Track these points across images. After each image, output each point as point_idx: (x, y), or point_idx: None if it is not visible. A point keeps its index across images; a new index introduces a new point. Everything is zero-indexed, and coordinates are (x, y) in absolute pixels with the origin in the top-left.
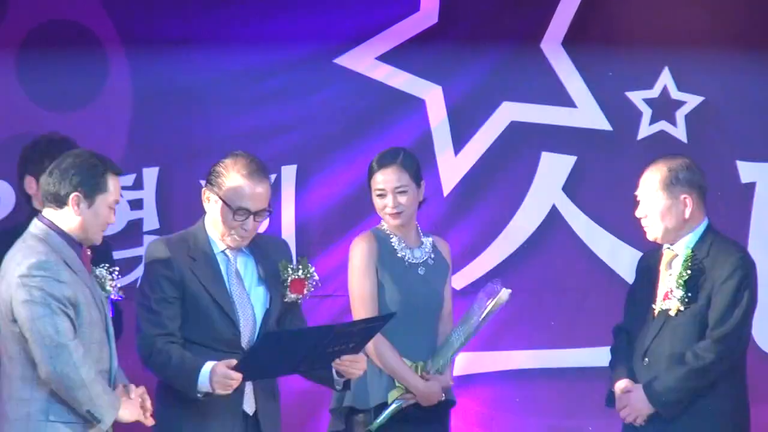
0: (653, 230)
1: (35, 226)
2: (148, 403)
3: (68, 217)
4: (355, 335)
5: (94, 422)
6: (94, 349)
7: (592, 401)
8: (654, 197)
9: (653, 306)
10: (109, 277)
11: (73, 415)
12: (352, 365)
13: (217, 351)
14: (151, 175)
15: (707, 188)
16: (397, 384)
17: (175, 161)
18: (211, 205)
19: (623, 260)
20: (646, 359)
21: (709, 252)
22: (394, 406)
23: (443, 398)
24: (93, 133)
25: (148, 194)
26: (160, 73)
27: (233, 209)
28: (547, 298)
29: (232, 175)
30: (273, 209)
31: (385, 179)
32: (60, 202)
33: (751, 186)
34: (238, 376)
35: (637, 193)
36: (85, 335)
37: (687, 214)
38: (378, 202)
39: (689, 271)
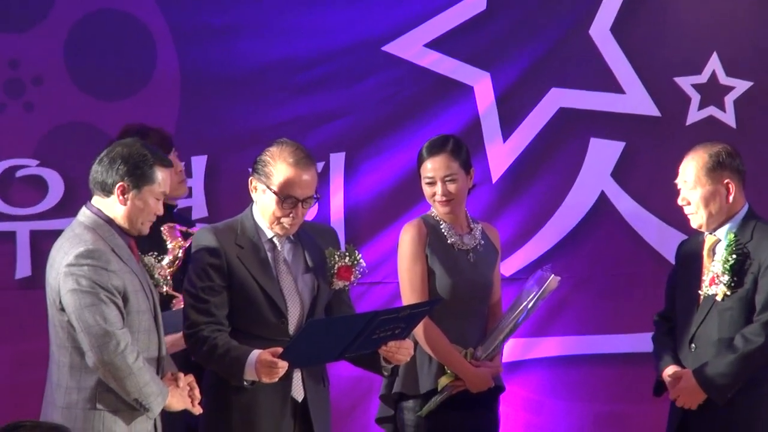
0: (697, 217)
1: (83, 215)
2: (197, 392)
3: (114, 206)
4: (400, 321)
5: (142, 410)
6: (142, 337)
7: (639, 387)
8: (696, 184)
9: (699, 292)
10: (158, 265)
11: (121, 403)
12: (399, 351)
13: (264, 339)
14: (199, 163)
15: (746, 172)
16: (447, 370)
17: (223, 149)
18: (259, 194)
19: (671, 245)
20: (693, 345)
21: (752, 236)
22: (444, 392)
23: (493, 384)
24: (142, 122)
25: (197, 182)
26: (209, 62)
27: (281, 198)
28: (596, 283)
29: (279, 164)
30: (320, 195)
31: (434, 167)
32: (106, 190)
33: None
34: (284, 363)
35: (677, 181)
36: (134, 323)
37: (730, 199)
38: (427, 190)
39: (734, 256)
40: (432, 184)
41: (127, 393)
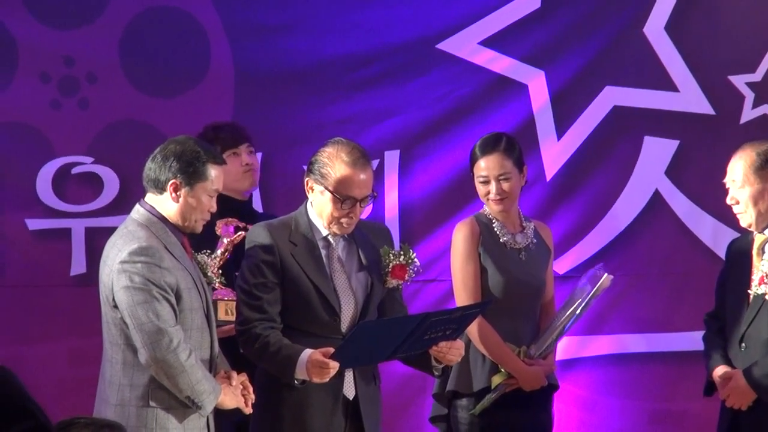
0: (746, 216)
1: (137, 212)
2: (251, 391)
3: (167, 204)
4: (452, 322)
5: (194, 408)
6: (195, 334)
7: (693, 385)
8: (745, 183)
9: (749, 291)
10: (211, 263)
11: (173, 400)
12: (450, 351)
13: (317, 337)
14: None
15: None
16: (500, 369)
17: (278, 147)
18: (316, 194)
19: (726, 244)
20: (743, 345)
21: None
22: (497, 391)
23: (546, 383)
24: (195, 120)
25: None
26: (263, 59)
27: (341, 198)
28: (650, 281)
29: (336, 165)
30: (377, 193)
31: (488, 166)
32: (159, 188)
33: None
34: (335, 364)
35: (725, 180)
36: (186, 321)
37: None
38: (481, 189)
39: None
40: (486, 182)
41: (179, 390)
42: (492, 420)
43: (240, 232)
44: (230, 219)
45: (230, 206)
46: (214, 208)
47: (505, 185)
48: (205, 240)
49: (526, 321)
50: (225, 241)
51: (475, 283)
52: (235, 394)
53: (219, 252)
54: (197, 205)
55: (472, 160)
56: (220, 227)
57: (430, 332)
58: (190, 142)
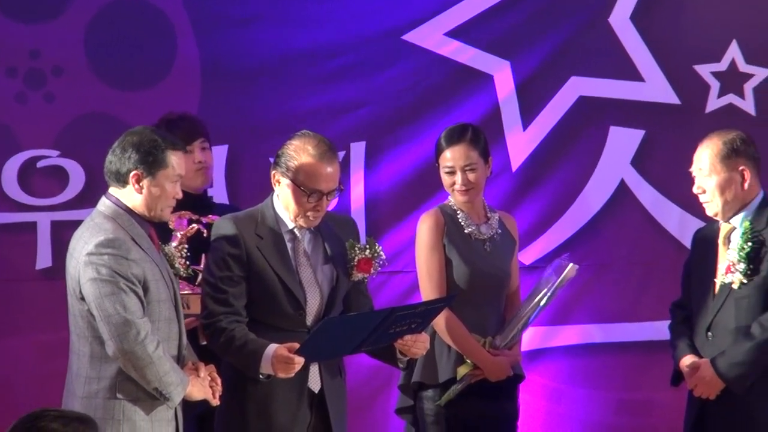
0: (713, 206)
1: (103, 204)
2: (218, 383)
3: (132, 195)
4: (417, 316)
5: (162, 400)
6: (163, 326)
7: (660, 375)
8: (711, 171)
9: (715, 280)
10: (179, 254)
11: (140, 392)
12: (415, 344)
13: (282, 330)
14: (220, 153)
15: (761, 160)
16: (465, 360)
17: (244, 139)
18: (282, 187)
19: (692, 233)
20: (710, 334)
21: (767, 223)
22: (463, 381)
23: (512, 373)
24: (161, 113)
25: (218, 172)
26: (229, 52)
27: (307, 192)
28: (616, 271)
29: (303, 158)
30: (344, 186)
31: (453, 157)
32: (122, 180)
33: None
34: (300, 359)
35: (691, 169)
36: (154, 313)
37: (745, 187)
38: (446, 179)
39: (750, 244)
40: (451, 173)
41: (147, 382)
42: (458, 411)
43: (193, 225)
44: (183, 212)
45: (185, 199)
46: (179, 194)
47: (471, 176)
48: (159, 234)
49: (491, 312)
50: (179, 234)
51: (440, 274)
52: (203, 386)
53: (174, 245)
54: (161, 194)
55: (438, 151)
56: (173, 221)
57: (396, 326)
58: (147, 131)
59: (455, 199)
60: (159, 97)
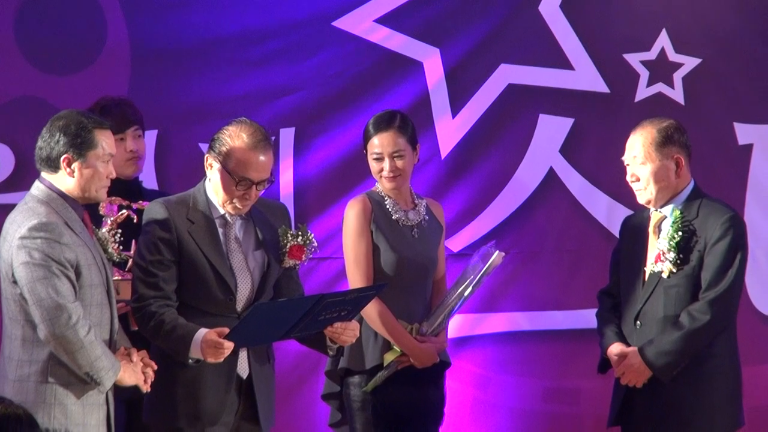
0: (646, 193)
1: (36, 188)
2: (150, 371)
3: (65, 179)
4: (347, 304)
5: (93, 384)
6: (95, 311)
7: (587, 363)
8: (647, 159)
9: (644, 269)
10: (112, 239)
11: (72, 377)
12: (344, 332)
13: (212, 315)
14: (150, 137)
15: (692, 149)
16: (392, 346)
17: (174, 123)
18: (214, 172)
19: (620, 221)
20: (639, 322)
21: (698, 213)
22: (389, 368)
23: (438, 360)
24: (91, 96)
25: (147, 157)
26: (159, 36)
27: (236, 179)
28: (544, 259)
29: (237, 145)
30: (275, 178)
31: (381, 143)
32: (53, 165)
33: (748, 148)
34: (230, 344)
35: (624, 157)
36: (86, 297)
37: (680, 175)
38: (374, 166)
39: (680, 233)
40: (379, 159)
41: (78, 366)
42: (384, 397)
43: (123, 211)
44: (114, 198)
45: (115, 185)
46: (113, 173)
47: (399, 162)
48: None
49: (417, 298)
50: (109, 220)
51: (367, 260)
52: (135, 371)
53: (104, 230)
54: (94, 174)
55: (366, 138)
56: (104, 207)
57: (325, 313)
58: (73, 114)
59: (383, 186)
60: (88, 81)
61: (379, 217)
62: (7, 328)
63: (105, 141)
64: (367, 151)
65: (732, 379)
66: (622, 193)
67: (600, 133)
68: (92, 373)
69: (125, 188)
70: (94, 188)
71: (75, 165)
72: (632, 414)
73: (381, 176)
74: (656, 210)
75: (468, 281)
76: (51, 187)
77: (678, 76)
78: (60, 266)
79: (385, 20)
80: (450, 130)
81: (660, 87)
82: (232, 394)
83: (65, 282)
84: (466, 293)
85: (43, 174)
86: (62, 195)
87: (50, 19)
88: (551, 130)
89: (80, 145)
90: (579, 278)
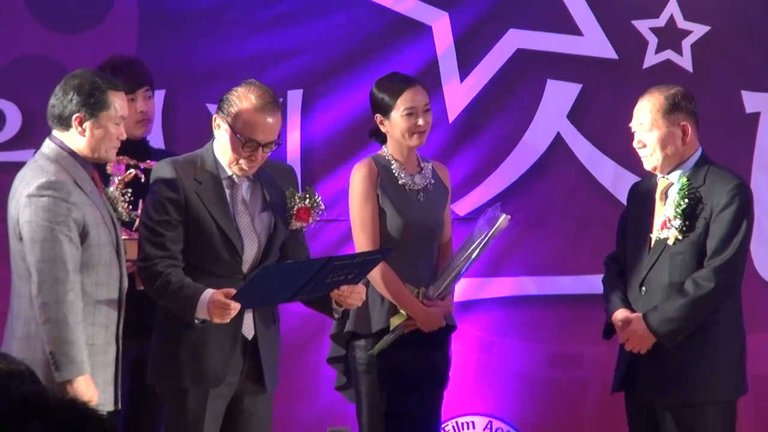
0: (652, 160)
1: (47, 146)
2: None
3: (75, 138)
4: (354, 267)
5: (51, 366)
6: (103, 270)
7: (592, 328)
8: (653, 126)
9: (650, 235)
10: (122, 198)
11: None
12: (351, 295)
13: (217, 276)
14: (158, 97)
15: (699, 116)
16: (398, 310)
17: (182, 84)
18: (221, 132)
19: (626, 188)
20: (644, 288)
21: (705, 180)
22: (395, 331)
23: (444, 324)
24: (99, 55)
25: (155, 117)
26: None
27: (243, 140)
28: (550, 224)
29: (245, 106)
30: (282, 141)
31: (415, 98)
32: (65, 124)
33: (756, 116)
34: (236, 305)
35: (631, 124)
36: (93, 257)
37: (687, 141)
38: (406, 122)
39: (687, 200)
40: (412, 114)
41: (47, 341)
42: (390, 360)
43: (131, 170)
44: (122, 157)
45: (123, 145)
46: (123, 135)
47: (429, 117)
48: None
49: (423, 262)
50: (116, 179)
51: (373, 224)
52: (94, 391)
53: (113, 189)
54: (105, 135)
55: (395, 94)
56: (111, 166)
57: (332, 276)
58: (88, 73)
59: (412, 143)
60: (96, 40)
61: (386, 181)
62: (15, 285)
63: (118, 102)
64: (389, 109)
65: (736, 346)
66: (629, 160)
67: (608, 99)
68: (56, 354)
69: (133, 147)
70: (104, 149)
71: (87, 124)
72: (636, 380)
73: (412, 133)
74: (663, 177)
75: (475, 245)
76: (61, 146)
77: (687, 44)
78: (64, 228)
79: None
80: (458, 95)
81: (668, 54)
82: (237, 355)
83: (66, 247)
84: (473, 256)
85: (55, 132)
86: (72, 153)
87: None
88: (559, 96)
89: (93, 105)
90: (585, 244)
